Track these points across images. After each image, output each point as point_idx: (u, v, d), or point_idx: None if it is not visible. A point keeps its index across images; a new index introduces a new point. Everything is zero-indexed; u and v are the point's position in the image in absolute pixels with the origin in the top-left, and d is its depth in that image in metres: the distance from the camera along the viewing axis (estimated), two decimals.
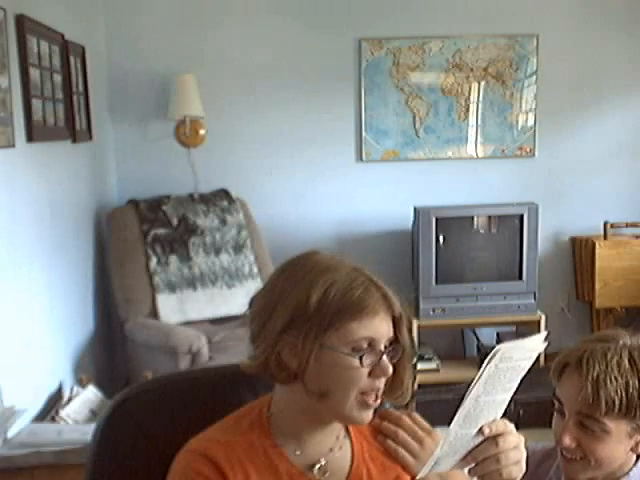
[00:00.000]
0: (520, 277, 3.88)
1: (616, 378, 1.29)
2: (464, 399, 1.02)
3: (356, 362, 1.08)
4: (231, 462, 1.09)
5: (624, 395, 1.29)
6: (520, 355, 1.04)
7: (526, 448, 1.10)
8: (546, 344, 1.08)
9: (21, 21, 2.61)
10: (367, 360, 1.08)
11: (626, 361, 1.31)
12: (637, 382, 1.29)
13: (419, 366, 3.78)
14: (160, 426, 1.22)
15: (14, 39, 2.59)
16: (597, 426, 1.31)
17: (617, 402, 1.28)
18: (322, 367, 1.08)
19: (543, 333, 1.08)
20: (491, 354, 1.00)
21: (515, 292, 3.88)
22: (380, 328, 1.10)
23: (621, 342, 1.34)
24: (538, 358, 1.10)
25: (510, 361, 1.03)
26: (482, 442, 1.07)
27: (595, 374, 1.30)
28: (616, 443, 1.32)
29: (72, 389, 2.84)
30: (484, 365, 1.00)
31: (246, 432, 1.14)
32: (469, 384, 1.02)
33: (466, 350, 4.23)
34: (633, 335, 1.37)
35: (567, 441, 1.35)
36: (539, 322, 3.81)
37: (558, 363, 1.37)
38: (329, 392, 1.09)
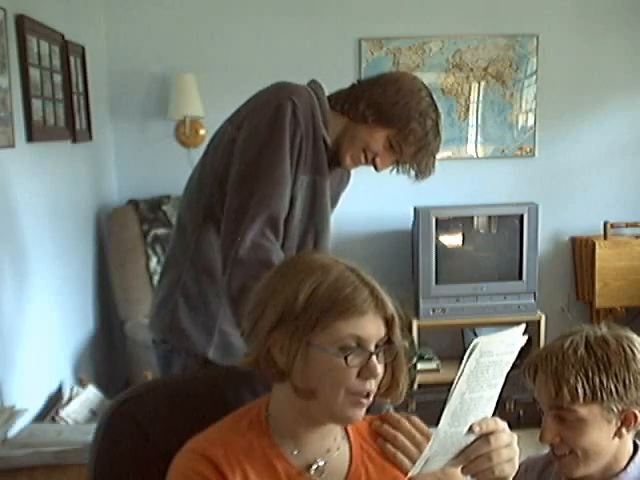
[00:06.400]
0: (520, 277, 3.88)
1: (573, 366, 1.32)
2: (449, 397, 1.02)
3: (342, 362, 1.07)
4: (230, 462, 1.09)
5: (585, 381, 1.31)
6: (501, 349, 1.04)
7: (525, 461, 1.10)
8: (526, 337, 1.08)
9: (21, 21, 2.61)
10: (354, 360, 1.08)
11: (582, 349, 1.33)
12: (596, 367, 1.31)
13: (419, 366, 3.78)
14: (160, 427, 1.23)
15: (14, 39, 2.59)
16: (570, 415, 1.33)
17: (580, 389, 1.30)
18: (309, 366, 1.08)
19: (522, 326, 1.07)
20: (469, 349, 1.00)
21: (515, 292, 3.88)
22: (368, 328, 1.09)
23: (581, 334, 1.37)
24: (521, 353, 1.10)
25: (491, 355, 1.03)
26: (474, 440, 1.08)
27: (554, 367, 1.34)
28: (595, 430, 1.33)
29: (72, 389, 2.84)
30: (464, 361, 1.01)
31: (245, 432, 1.14)
32: (451, 382, 1.02)
33: (466, 350, 4.22)
34: (608, 328, 1.39)
35: (549, 437, 1.36)
36: (539, 322, 3.81)
37: (529, 366, 1.39)
38: (317, 391, 1.09)
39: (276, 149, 1.64)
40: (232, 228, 1.62)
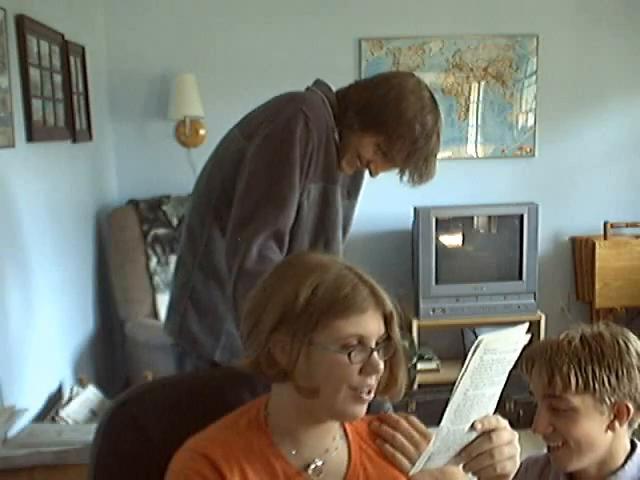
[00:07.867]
0: (520, 277, 3.88)
1: (567, 354, 1.33)
2: (452, 393, 1.02)
3: (345, 359, 1.08)
4: (229, 461, 1.10)
5: (578, 371, 1.32)
6: (504, 347, 1.05)
7: (526, 460, 1.10)
8: (529, 336, 1.09)
9: (21, 21, 2.61)
10: (356, 357, 1.09)
11: (577, 341, 1.35)
12: (589, 358, 1.32)
13: (419, 366, 3.78)
14: (161, 427, 1.23)
15: (14, 39, 2.59)
16: (562, 404, 1.34)
17: (572, 378, 1.32)
18: (311, 365, 1.09)
19: (525, 324, 1.08)
20: (474, 345, 1.01)
21: (515, 292, 3.88)
22: (369, 325, 1.10)
23: (578, 329, 1.39)
24: (522, 352, 1.10)
25: (495, 353, 1.03)
26: (476, 438, 1.08)
27: (548, 356, 1.35)
28: (588, 420, 1.34)
29: (72, 389, 2.84)
30: (469, 357, 1.01)
31: (244, 431, 1.14)
32: (455, 379, 1.02)
33: (466, 350, 4.20)
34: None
35: (541, 427, 1.37)
36: (539, 322, 3.81)
37: (526, 359, 1.40)
38: (319, 389, 1.09)
39: (286, 163, 1.65)
40: (237, 238, 1.63)
